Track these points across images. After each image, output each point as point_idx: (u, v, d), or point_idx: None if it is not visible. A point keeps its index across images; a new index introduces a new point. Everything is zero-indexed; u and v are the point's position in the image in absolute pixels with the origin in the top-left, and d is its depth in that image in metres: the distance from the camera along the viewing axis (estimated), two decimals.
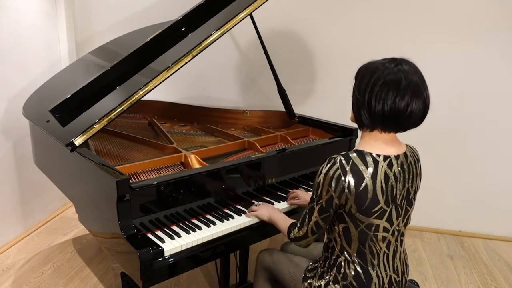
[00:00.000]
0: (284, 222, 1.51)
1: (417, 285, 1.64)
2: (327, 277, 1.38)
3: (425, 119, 1.26)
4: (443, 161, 2.94)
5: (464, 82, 2.80)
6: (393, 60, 1.25)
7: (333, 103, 2.91)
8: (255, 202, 1.78)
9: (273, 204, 1.80)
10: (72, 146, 1.65)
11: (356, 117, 1.28)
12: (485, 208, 2.99)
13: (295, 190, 1.85)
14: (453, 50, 2.76)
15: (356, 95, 1.26)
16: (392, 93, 1.18)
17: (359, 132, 1.34)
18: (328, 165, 1.24)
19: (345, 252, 1.33)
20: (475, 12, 2.68)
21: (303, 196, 1.78)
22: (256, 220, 1.68)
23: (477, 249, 2.88)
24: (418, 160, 1.38)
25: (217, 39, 1.84)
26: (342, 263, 1.34)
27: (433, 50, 2.77)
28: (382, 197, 1.24)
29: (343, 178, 1.21)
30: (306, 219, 1.34)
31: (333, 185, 1.22)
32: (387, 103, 1.19)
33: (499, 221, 2.99)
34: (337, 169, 1.22)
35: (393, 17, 2.79)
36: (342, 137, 2.13)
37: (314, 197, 1.30)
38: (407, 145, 1.36)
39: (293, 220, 1.48)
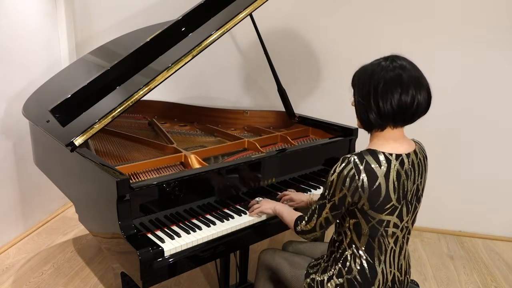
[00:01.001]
0: (290, 215, 1.52)
1: (417, 285, 1.64)
2: (330, 271, 1.38)
3: (425, 118, 1.27)
4: (443, 161, 2.94)
5: (465, 82, 2.80)
6: (385, 58, 1.27)
7: (333, 103, 2.91)
8: (257, 198, 1.77)
9: None
10: (72, 146, 1.65)
11: (365, 121, 1.29)
12: (485, 208, 2.99)
13: (285, 192, 1.83)
14: (453, 50, 2.76)
15: (361, 102, 1.26)
16: (396, 91, 1.20)
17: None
18: (342, 165, 1.25)
19: (353, 246, 1.34)
20: (475, 11, 2.68)
21: (297, 197, 1.77)
22: (256, 220, 1.68)
23: (477, 249, 2.88)
24: (426, 157, 1.39)
25: (217, 39, 1.84)
26: (348, 257, 1.35)
27: (433, 49, 2.77)
28: (394, 194, 1.25)
29: (357, 177, 1.22)
30: (316, 215, 1.35)
31: (347, 184, 1.24)
32: (394, 101, 1.21)
33: (499, 221, 2.99)
34: (351, 168, 1.23)
35: (393, 18, 2.79)
36: (342, 137, 2.13)
37: (326, 194, 1.31)
38: (414, 142, 1.37)
39: (299, 213, 1.48)
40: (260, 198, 1.75)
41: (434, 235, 3.06)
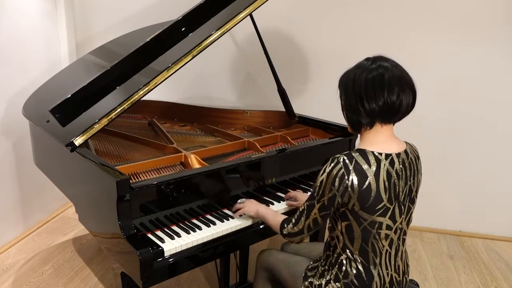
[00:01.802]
0: (274, 217, 1.50)
1: (417, 285, 1.64)
2: (328, 276, 1.38)
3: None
4: (443, 161, 2.94)
5: (464, 83, 2.80)
6: (367, 59, 1.29)
7: (333, 103, 2.90)
8: (240, 199, 1.75)
9: (273, 204, 1.81)
10: (72, 146, 1.65)
11: (355, 122, 1.30)
12: (485, 208, 2.99)
13: (292, 191, 1.84)
14: (452, 49, 2.76)
15: (348, 104, 1.28)
16: (381, 90, 1.22)
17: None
18: (332, 165, 1.25)
19: (347, 251, 1.33)
20: (474, 10, 2.68)
21: (302, 198, 1.77)
22: (256, 220, 1.68)
23: (477, 249, 2.88)
24: (418, 157, 1.39)
25: (217, 39, 1.84)
26: (344, 261, 1.34)
27: (430, 50, 2.77)
28: (385, 194, 1.25)
29: (346, 177, 1.22)
30: (303, 216, 1.34)
31: (336, 184, 1.23)
32: (380, 101, 1.22)
33: (499, 221, 2.99)
34: (341, 168, 1.23)
35: (392, 17, 2.79)
36: (342, 137, 2.13)
37: (314, 195, 1.30)
38: (406, 143, 1.37)
39: (284, 216, 1.47)
40: (243, 200, 1.73)
41: (434, 235, 3.06)
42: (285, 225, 1.41)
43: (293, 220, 1.38)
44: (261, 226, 1.69)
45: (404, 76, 1.25)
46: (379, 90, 1.22)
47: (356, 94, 1.25)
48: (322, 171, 1.28)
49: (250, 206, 1.64)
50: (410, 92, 1.25)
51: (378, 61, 1.27)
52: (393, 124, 1.31)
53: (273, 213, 1.54)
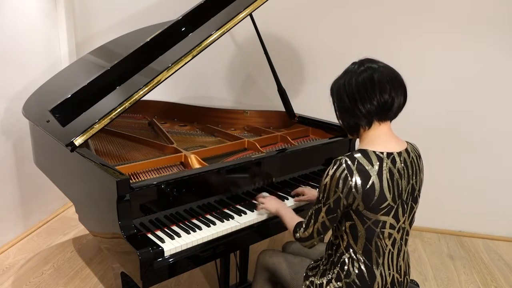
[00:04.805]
0: (290, 219, 1.51)
1: (417, 285, 1.64)
2: (329, 275, 1.38)
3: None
4: (443, 161, 2.94)
5: (464, 82, 2.80)
6: (354, 63, 1.32)
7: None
8: (263, 193, 1.77)
9: None
10: (72, 146, 1.65)
11: (352, 126, 1.32)
12: (485, 208, 2.99)
13: (301, 187, 1.86)
14: (452, 49, 2.76)
15: (343, 109, 1.30)
16: (373, 91, 1.24)
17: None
18: (334, 167, 1.25)
19: (351, 250, 1.33)
20: (474, 10, 2.68)
21: (309, 192, 1.79)
22: (256, 220, 1.68)
23: (477, 249, 2.88)
24: (420, 156, 1.39)
25: (217, 39, 1.84)
26: (346, 261, 1.34)
27: (430, 49, 2.77)
28: (389, 193, 1.25)
29: (349, 179, 1.22)
30: (312, 220, 1.34)
31: (340, 186, 1.24)
32: (374, 101, 1.24)
33: (499, 221, 2.99)
34: (343, 170, 1.23)
35: (392, 17, 2.79)
36: (342, 137, 2.13)
37: (320, 198, 1.31)
38: (407, 142, 1.37)
39: (300, 219, 1.47)
40: (267, 194, 1.76)
41: (434, 235, 3.06)
42: (297, 229, 1.42)
43: (304, 225, 1.39)
44: (261, 226, 1.69)
45: (393, 74, 1.27)
46: (371, 91, 1.24)
47: (350, 98, 1.27)
48: (325, 175, 1.28)
49: (272, 203, 1.65)
50: (401, 89, 1.27)
51: (365, 63, 1.29)
52: (390, 121, 1.32)
53: (291, 215, 1.54)
